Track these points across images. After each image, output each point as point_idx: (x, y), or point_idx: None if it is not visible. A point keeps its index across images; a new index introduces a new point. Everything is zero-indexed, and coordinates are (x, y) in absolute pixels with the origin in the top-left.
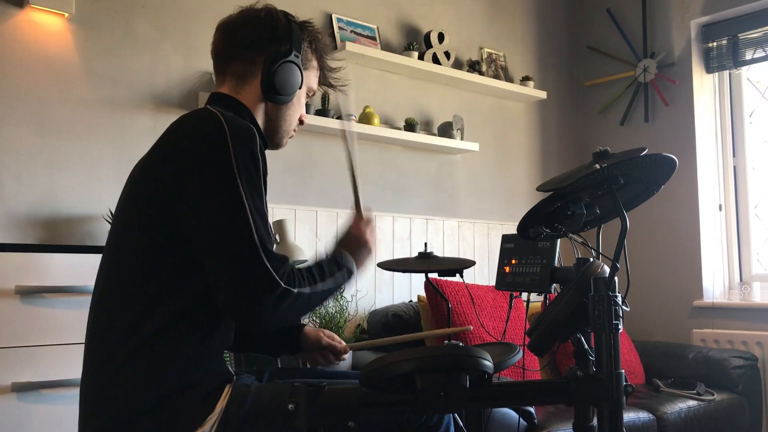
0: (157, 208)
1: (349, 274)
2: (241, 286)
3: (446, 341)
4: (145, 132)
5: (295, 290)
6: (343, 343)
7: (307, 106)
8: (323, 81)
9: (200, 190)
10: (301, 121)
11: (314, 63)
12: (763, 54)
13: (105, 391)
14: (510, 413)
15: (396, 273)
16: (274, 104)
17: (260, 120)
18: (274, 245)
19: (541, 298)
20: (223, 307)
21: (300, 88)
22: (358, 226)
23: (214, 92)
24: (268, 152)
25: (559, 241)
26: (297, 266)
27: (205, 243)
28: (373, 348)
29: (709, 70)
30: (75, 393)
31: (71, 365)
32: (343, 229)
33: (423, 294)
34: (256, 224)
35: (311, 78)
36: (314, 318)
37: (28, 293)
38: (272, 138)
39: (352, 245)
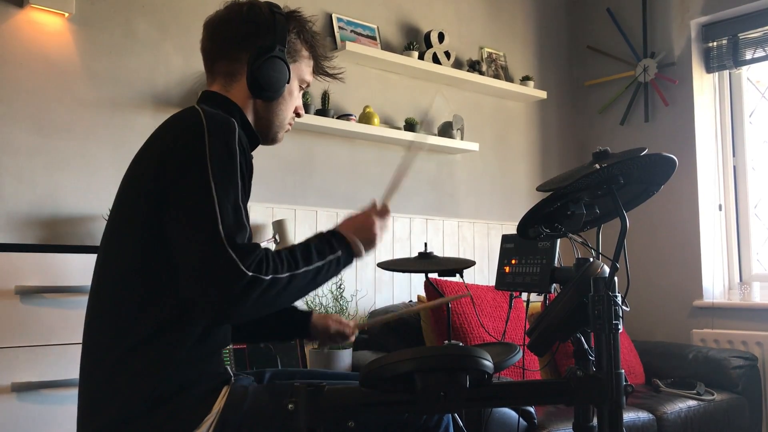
0: (146, 208)
1: (347, 257)
2: (204, 276)
3: (446, 341)
4: (145, 132)
5: (267, 277)
6: (351, 325)
7: (308, 105)
8: (318, 70)
9: (175, 185)
10: (297, 114)
11: (305, 53)
12: (763, 54)
13: (101, 393)
14: (510, 413)
15: (396, 273)
16: (263, 101)
17: (251, 117)
18: (248, 237)
19: (541, 298)
20: (191, 300)
21: (288, 82)
22: (371, 213)
23: (204, 90)
24: (266, 151)
25: (559, 241)
26: (278, 249)
27: (174, 235)
28: (373, 349)
29: (709, 69)
30: (75, 393)
31: (71, 365)
32: (355, 212)
33: (423, 294)
34: (224, 214)
35: (302, 69)
36: None
37: (28, 293)
38: (266, 134)
39: (357, 228)
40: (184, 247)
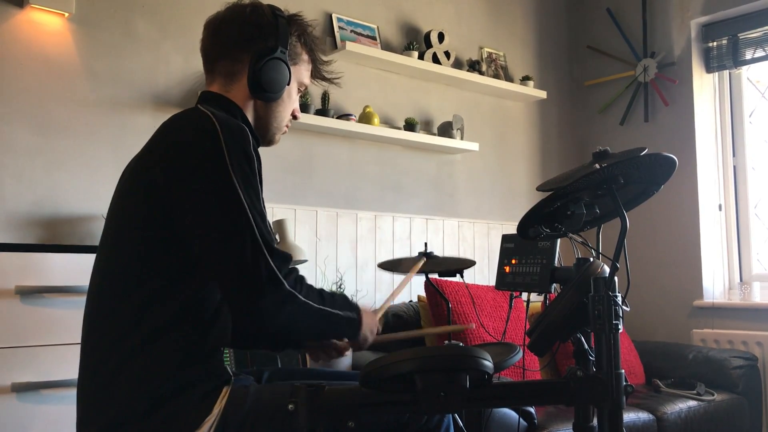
0: (151, 210)
1: (357, 322)
2: (245, 285)
3: (446, 341)
4: (145, 132)
5: (301, 297)
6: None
7: (308, 106)
8: (316, 74)
9: (197, 193)
10: (294, 116)
11: (304, 57)
12: (763, 54)
13: (101, 394)
14: (510, 413)
15: (396, 273)
16: (263, 101)
17: (251, 118)
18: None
19: (541, 298)
20: (229, 307)
21: (288, 84)
22: (376, 318)
23: (204, 91)
24: (266, 151)
25: (559, 241)
26: (308, 281)
27: (207, 245)
28: (373, 349)
29: (709, 69)
30: (75, 393)
31: (71, 365)
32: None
33: (423, 294)
34: (257, 223)
35: (302, 72)
36: None
37: (28, 293)
38: (264, 135)
39: (367, 316)
40: (220, 257)
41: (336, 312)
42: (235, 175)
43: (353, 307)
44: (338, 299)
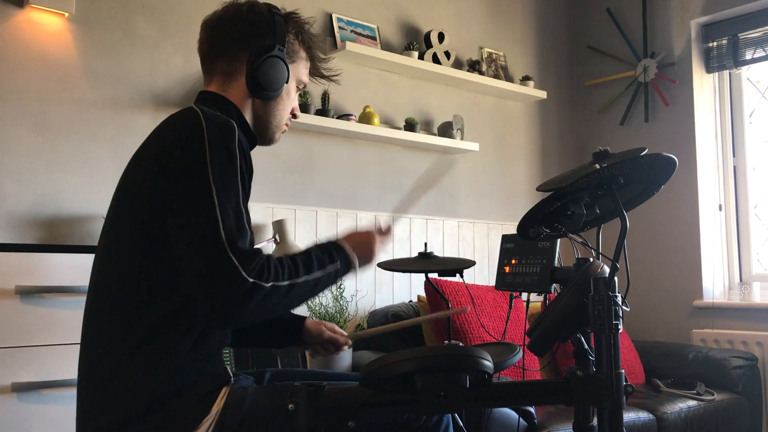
0: (146, 210)
1: (345, 268)
2: (206, 281)
3: (446, 341)
4: (145, 132)
5: (268, 284)
6: (345, 335)
7: (308, 106)
8: (314, 72)
9: (176, 187)
10: (294, 115)
11: (302, 54)
12: (763, 54)
13: (100, 394)
14: (510, 413)
15: (396, 273)
16: (261, 100)
17: (249, 117)
18: (249, 241)
19: (541, 298)
20: (192, 301)
21: (287, 82)
22: (373, 232)
23: (201, 91)
24: (266, 151)
25: (559, 241)
26: (279, 255)
27: (176, 239)
28: (373, 349)
29: (709, 69)
30: (75, 393)
31: (71, 365)
32: (359, 229)
33: (423, 294)
34: (225, 218)
35: (300, 70)
36: (313, 317)
37: (28, 293)
38: (263, 134)
39: (357, 243)
40: (186, 251)
41: (314, 275)
42: (211, 169)
43: (333, 255)
44: (315, 257)
